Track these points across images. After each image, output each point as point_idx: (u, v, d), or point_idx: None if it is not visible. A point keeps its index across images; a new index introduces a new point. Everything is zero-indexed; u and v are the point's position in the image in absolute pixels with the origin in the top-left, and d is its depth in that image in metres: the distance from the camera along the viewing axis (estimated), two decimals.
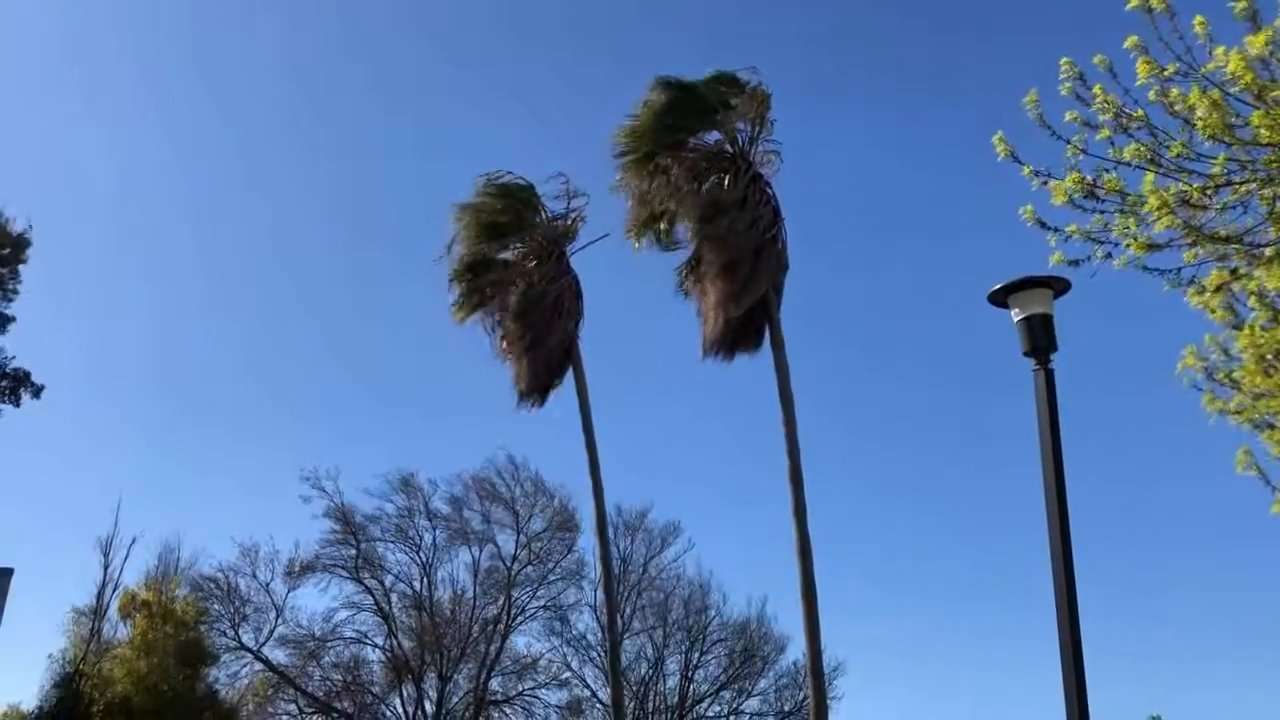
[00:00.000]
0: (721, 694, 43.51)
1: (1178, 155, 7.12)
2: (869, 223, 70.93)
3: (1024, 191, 7.92)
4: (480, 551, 41.47)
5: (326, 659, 40.16)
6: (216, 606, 38.15)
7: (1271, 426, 8.20)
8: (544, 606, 41.97)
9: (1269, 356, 7.95)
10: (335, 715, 39.80)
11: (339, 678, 40.14)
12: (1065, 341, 9.11)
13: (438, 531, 41.27)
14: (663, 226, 23.27)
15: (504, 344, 25.05)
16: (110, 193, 72.00)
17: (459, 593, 41.70)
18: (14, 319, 30.02)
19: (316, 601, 42.10)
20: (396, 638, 40.59)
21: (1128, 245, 7.48)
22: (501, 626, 40.79)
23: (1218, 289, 7.84)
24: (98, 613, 33.83)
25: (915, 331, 68.69)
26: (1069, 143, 7.53)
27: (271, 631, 38.94)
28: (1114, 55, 7.44)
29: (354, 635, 40.31)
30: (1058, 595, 8.56)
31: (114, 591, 34.22)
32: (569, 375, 24.61)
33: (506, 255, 25.61)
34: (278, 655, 39.30)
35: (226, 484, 60.97)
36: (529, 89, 73.98)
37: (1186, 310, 8.07)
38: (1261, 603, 60.83)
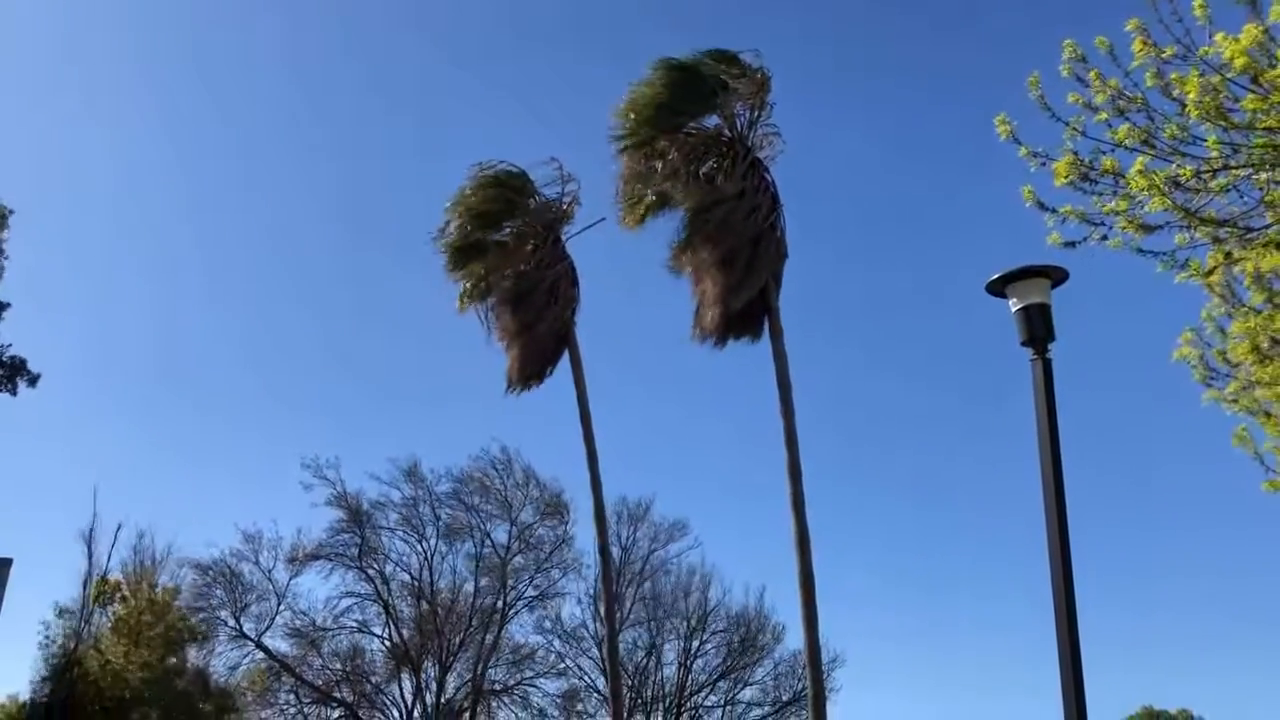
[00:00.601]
0: (719, 683, 43.56)
1: (1173, 138, 7.07)
2: (865, 216, 71.00)
3: (1020, 184, 7.88)
4: (476, 542, 41.49)
5: (326, 648, 40.19)
6: (219, 593, 38.15)
7: (1268, 414, 8.16)
8: (540, 596, 42.00)
9: (1263, 345, 7.91)
10: (335, 704, 39.83)
11: (339, 667, 40.16)
12: (1063, 332, 9.10)
13: (441, 521, 41.24)
14: (657, 212, 23.06)
15: (498, 329, 24.96)
16: (110, 188, 71.98)
17: (458, 583, 41.74)
18: (8, 305, 29.79)
19: (318, 589, 42.12)
20: (396, 627, 40.61)
21: (1122, 227, 7.43)
22: (499, 616, 40.80)
23: (1210, 271, 7.79)
24: (83, 603, 33.82)
25: (912, 323, 68.84)
26: (1067, 124, 7.49)
27: (272, 619, 38.96)
28: (1115, 39, 7.40)
29: (354, 624, 40.35)
30: (1055, 585, 8.54)
31: (98, 581, 34.25)
32: (564, 363, 24.53)
33: (501, 240, 25.49)
34: (279, 644, 39.36)
35: (225, 474, 61.09)
36: (528, 87, 74.02)
37: (1181, 297, 8.05)
38: (1255, 589, 61.01)
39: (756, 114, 22.33)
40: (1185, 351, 8.50)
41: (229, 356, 69.68)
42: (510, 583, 41.05)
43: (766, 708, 43.21)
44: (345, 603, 39.97)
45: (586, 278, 25.42)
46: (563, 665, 42.39)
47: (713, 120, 22.82)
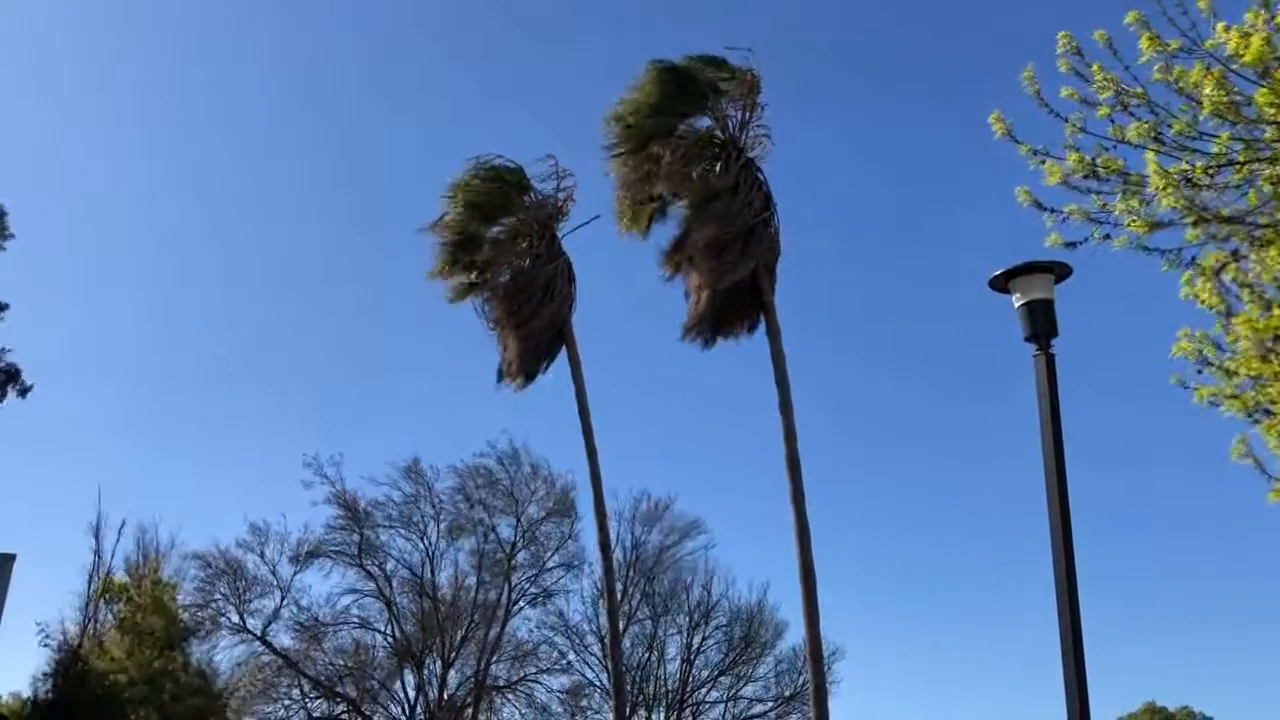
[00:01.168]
0: (721, 679, 43.59)
1: (1180, 134, 7.00)
2: (862, 213, 70.96)
3: (1015, 181, 7.82)
4: (480, 538, 41.47)
5: (330, 643, 40.20)
6: (222, 587, 38.15)
7: (1269, 414, 8.08)
8: (544, 592, 42.00)
9: (1267, 342, 7.83)
10: (338, 699, 39.86)
11: (342, 662, 40.18)
12: (1064, 330, 9.08)
13: (441, 518, 41.24)
14: (651, 213, 23.16)
15: (493, 324, 24.95)
16: (110, 186, 71.97)
17: (460, 579, 41.74)
18: (7, 306, 29.75)
19: (320, 586, 42.11)
20: (399, 623, 40.63)
21: (1130, 225, 7.36)
22: (501, 612, 40.81)
23: (1219, 270, 7.72)
24: (87, 600, 33.83)
25: (908, 321, 68.84)
26: (1067, 120, 7.41)
27: (276, 613, 38.97)
28: (1114, 32, 7.31)
29: (356, 620, 40.37)
30: (1058, 580, 8.54)
31: (104, 579, 34.27)
32: (562, 359, 24.53)
33: (496, 235, 25.48)
34: (282, 639, 39.38)
35: (229, 470, 61.16)
36: (524, 84, 73.93)
37: (1181, 297, 7.96)
38: (1257, 591, 61.00)
39: (747, 115, 22.52)
40: (1185, 347, 8.41)
41: (233, 352, 69.77)
42: (514, 579, 41.08)
43: (769, 703, 43.27)
44: (347, 599, 40.06)
45: (585, 276, 25.44)
46: (566, 661, 42.46)
47: (704, 122, 22.95)
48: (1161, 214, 7.16)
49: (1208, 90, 6.71)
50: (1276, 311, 7.62)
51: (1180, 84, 6.97)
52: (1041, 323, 9.01)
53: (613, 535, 30.17)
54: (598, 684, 42.03)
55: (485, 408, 67.04)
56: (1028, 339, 9.07)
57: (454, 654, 40.52)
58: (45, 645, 32.77)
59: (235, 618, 38.09)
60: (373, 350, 69.66)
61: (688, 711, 43.43)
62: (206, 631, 37.34)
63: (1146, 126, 7.09)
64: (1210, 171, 6.97)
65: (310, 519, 40.16)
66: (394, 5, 73.64)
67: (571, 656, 42.44)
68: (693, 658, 43.22)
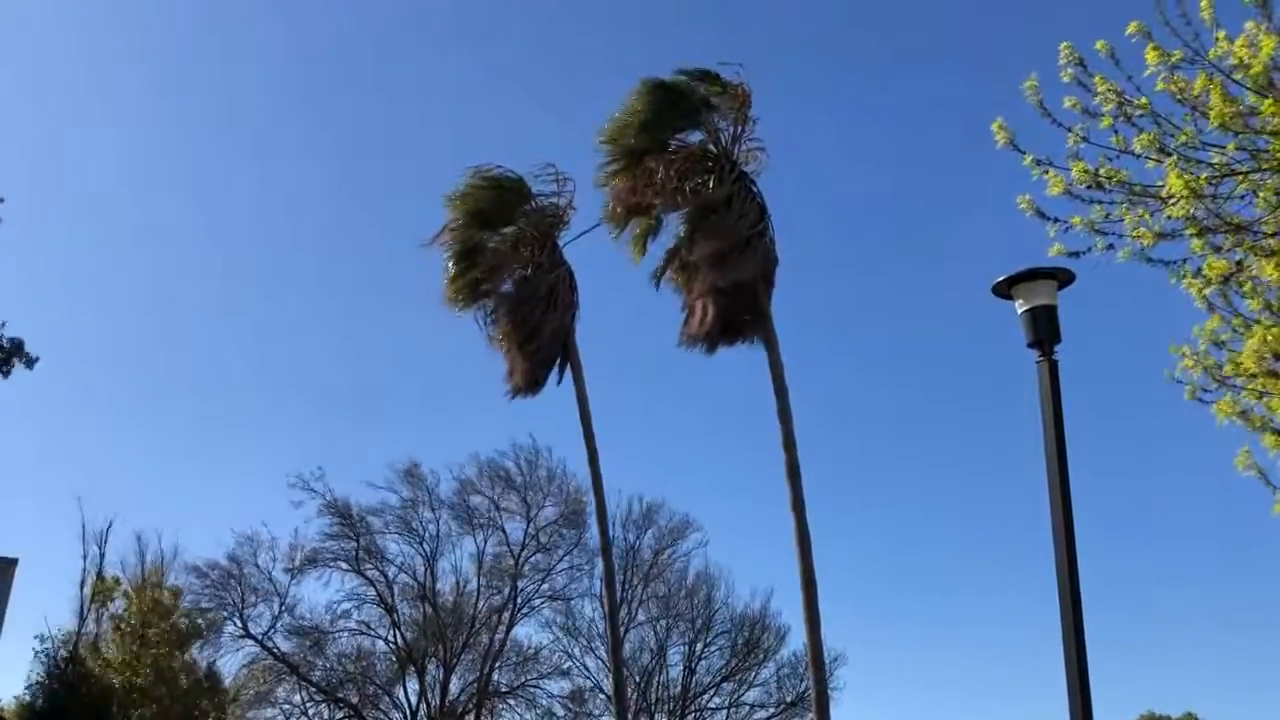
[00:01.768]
0: (723, 685, 43.56)
1: (1184, 144, 7.01)
2: (860, 222, 71.02)
3: (1017, 187, 7.84)
4: (486, 539, 41.42)
5: (331, 649, 40.16)
6: (221, 594, 38.15)
7: (1276, 431, 8.10)
8: (550, 597, 41.95)
9: (1268, 356, 7.85)
10: (339, 705, 39.84)
11: (344, 668, 40.14)
12: (1067, 337, 9.08)
13: (442, 521, 41.16)
14: (646, 228, 23.32)
15: (497, 334, 25.04)
16: (113, 183, 72.10)
17: (462, 583, 41.70)
18: None
19: (319, 593, 42.07)
20: (400, 629, 40.59)
21: (1136, 236, 7.38)
22: (506, 617, 40.79)
23: (1225, 279, 7.73)
24: (82, 603, 33.88)
25: (906, 326, 68.87)
26: (1070, 130, 7.43)
27: (276, 619, 38.95)
28: (1117, 43, 7.32)
29: (357, 626, 40.32)
30: (1061, 587, 8.52)
31: (95, 580, 34.32)
32: (565, 367, 24.59)
33: (498, 245, 25.57)
34: (284, 645, 39.34)
35: (227, 473, 61.21)
36: (529, 75, 74.03)
37: (1185, 304, 7.98)
38: (1258, 598, 60.95)
39: (740, 129, 22.67)
40: (1188, 364, 8.42)
41: (231, 355, 69.86)
42: (520, 583, 41.05)
43: (771, 709, 43.23)
44: (347, 605, 40.00)
45: (586, 283, 25.51)
46: (568, 666, 42.44)
47: (697, 136, 23.14)
48: (1166, 225, 7.17)
49: (1214, 102, 6.72)
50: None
51: (1184, 95, 6.98)
52: (1044, 329, 9.01)
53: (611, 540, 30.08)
54: (600, 689, 42.03)
55: (486, 413, 67.10)
56: (1030, 345, 9.07)
57: (455, 660, 40.49)
58: (43, 651, 32.83)
59: (237, 623, 38.15)
60: (373, 353, 69.80)
61: (690, 717, 43.40)
62: (208, 638, 37.38)
63: (1151, 137, 7.10)
64: (1214, 181, 6.98)
65: (302, 526, 39.90)
66: (396, 7, 73.81)
67: (573, 662, 42.46)
68: (695, 663, 43.21)
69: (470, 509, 41.18)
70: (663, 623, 43.15)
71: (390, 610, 40.34)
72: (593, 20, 75.19)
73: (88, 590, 33.90)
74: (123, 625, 33.36)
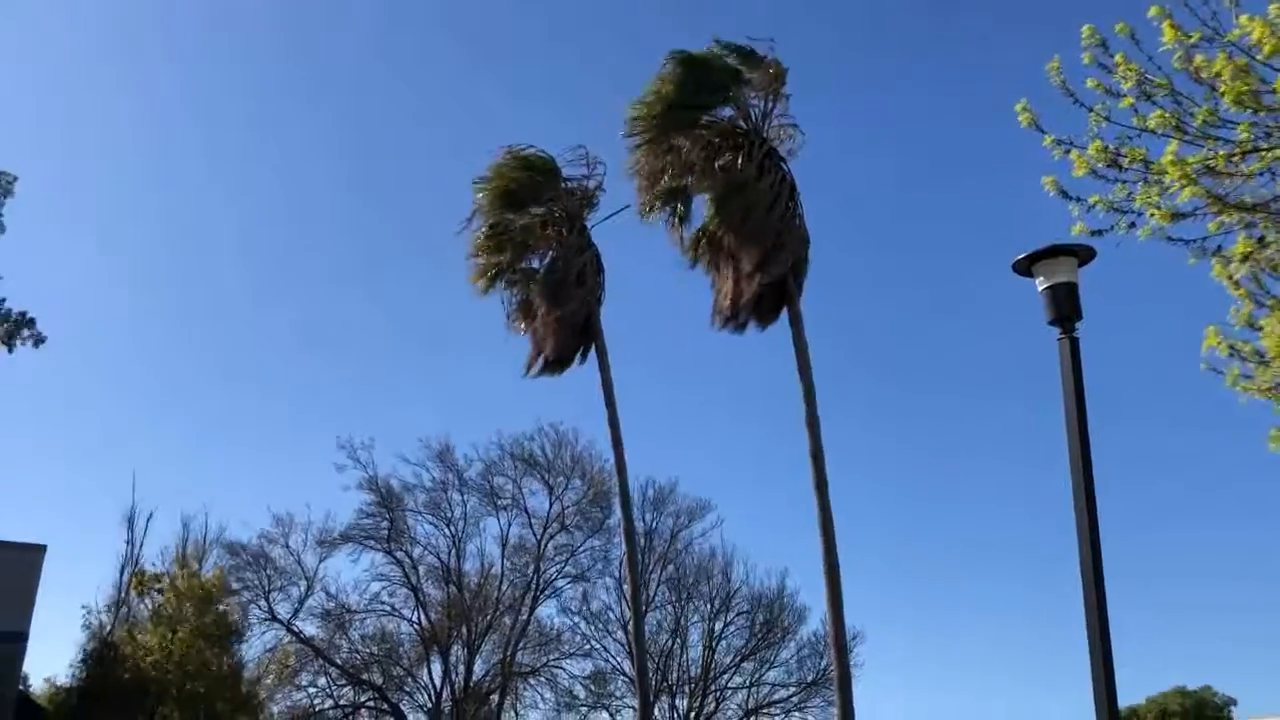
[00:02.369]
0: (744, 665, 43.70)
1: (1203, 123, 7.01)
2: (884, 201, 70.63)
3: (1042, 169, 7.83)
4: (510, 522, 41.63)
5: (356, 632, 40.47)
6: (249, 575, 38.51)
7: None
8: (573, 579, 42.15)
9: None
10: (364, 687, 40.13)
11: (368, 650, 40.43)
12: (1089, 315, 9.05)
13: (469, 503, 41.39)
14: (678, 205, 23.10)
15: (523, 314, 25.08)
16: (143, 167, 72.41)
17: (487, 565, 41.92)
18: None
19: (347, 573, 42.41)
20: (425, 610, 40.84)
21: (1151, 215, 7.39)
22: (529, 598, 40.97)
23: (1245, 258, 7.72)
24: (121, 588, 34.13)
25: (934, 310, 68.57)
26: (1091, 110, 7.43)
27: (302, 602, 39.26)
28: (1137, 24, 7.33)
29: (383, 607, 40.60)
30: (1084, 566, 8.50)
31: (136, 573, 34.57)
32: (589, 349, 24.62)
33: (527, 225, 25.58)
34: (308, 627, 39.68)
35: (260, 455, 61.66)
36: (552, 75, 73.91)
37: (1208, 283, 7.96)
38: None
39: (771, 105, 22.31)
40: (1213, 343, 8.42)
41: (265, 336, 70.23)
42: (544, 565, 41.22)
43: (791, 688, 43.37)
44: (374, 586, 40.29)
45: (612, 263, 25.52)
46: (589, 647, 42.63)
47: (727, 112, 22.80)
48: (1183, 205, 7.18)
49: (1225, 79, 6.72)
50: None
51: (1203, 73, 6.99)
52: (1065, 306, 8.95)
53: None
54: (622, 670, 42.21)
55: (513, 392, 67.34)
56: (1051, 323, 9.02)
57: (479, 641, 40.73)
58: (86, 629, 33.11)
59: (263, 606, 38.45)
60: (405, 332, 70.01)
61: (710, 697, 43.56)
62: (240, 632, 37.65)
63: (1168, 116, 7.11)
64: (1234, 159, 6.98)
65: (335, 507, 40.44)
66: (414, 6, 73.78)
67: (595, 643, 42.65)
68: (715, 643, 43.35)
69: (495, 491, 41.42)
70: (681, 604, 43.31)
71: (415, 591, 40.61)
72: (616, 13, 74.88)
73: (127, 576, 34.20)
74: (161, 610, 33.62)
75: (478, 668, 40.95)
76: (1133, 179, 7.43)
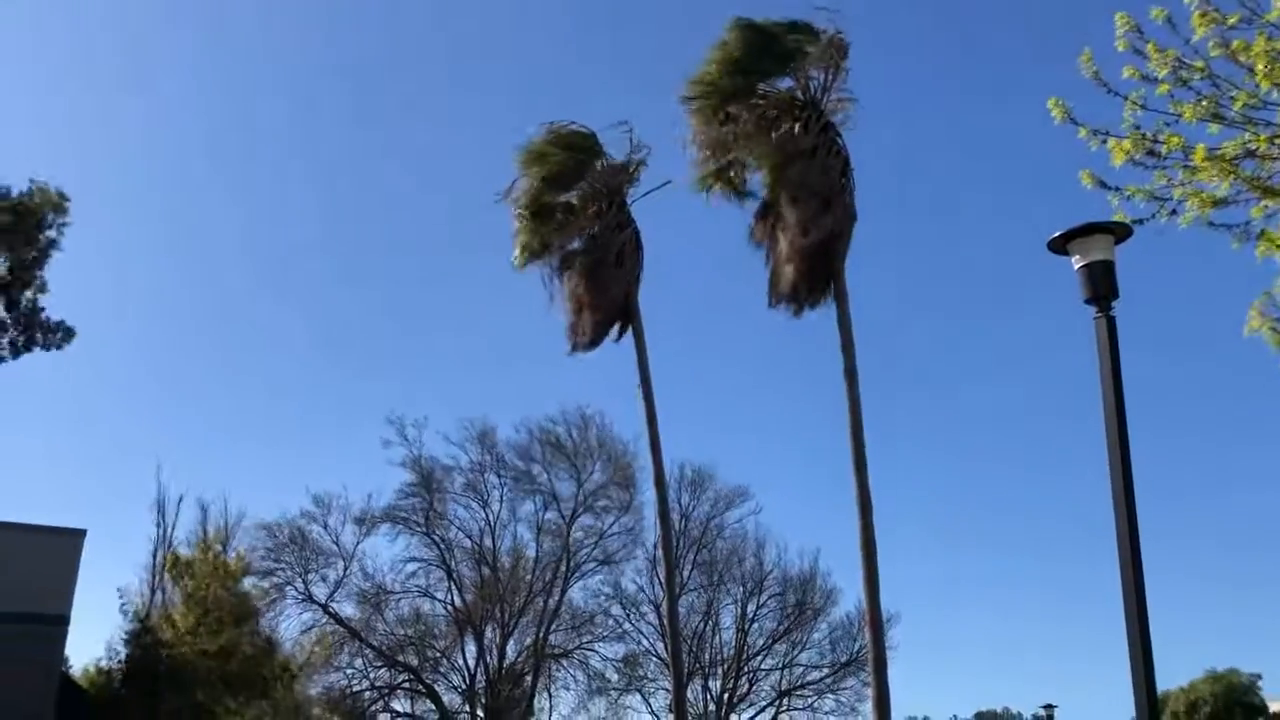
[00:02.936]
0: (776, 647, 43.84)
1: (1244, 106, 6.98)
2: (933, 178, 70.21)
3: (1084, 154, 7.82)
4: (542, 505, 41.91)
5: (391, 613, 40.90)
6: (286, 555, 38.93)
7: None
8: (602, 561, 42.39)
9: None
10: (400, 668, 40.55)
11: (403, 632, 40.85)
12: (1129, 297, 9.02)
13: (505, 487, 41.71)
14: (733, 175, 22.96)
15: (562, 292, 25.09)
16: (166, 158, 72.91)
17: (520, 548, 42.23)
18: (74, 333, 30.55)
19: (384, 554, 42.81)
20: (460, 592, 41.20)
21: (1191, 203, 7.35)
22: (560, 581, 41.25)
23: None
24: (154, 572, 34.56)
25: (978, 285, 68.15)
26: (1127, 99, 7.40)
27: (339, 583, 39.68)
28: (1174, 9, 7.30)
29: (418, 589, 40.99)
30: (1121, 548, 8.50)
31: (170, 555, 34.97)
32: (625, 328, 24.63)
33: (568, 202, 25.57)
34: (344, 608, 40.12)
35: (296, 440, 62.21)
36: (593, 50, 73.76)
37: (1252, 266, 7.92)
38: None
39: (831, 78, 22.11)
40: (1256, 324, 8.40)
41: (297, 324, 70.77)
42: (573, 547, 41.49)
43: (824, 670, 43.48)
44: (410, 567, 40.70)
45: (651, 241, 25.48)
46: (622, 630, 42.88)
47: (786, 83, 22.67)
48: (1230, 189, 7.15)
49: (1260, 66, 6.69)
50: None
51: (1240, 57, 6.95)
52: (1102, 284, 8.83)
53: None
54: (654, 652, 42.44)
55: (548, 370, 67.53)
56: (1087, 301, 8.93)
57: (513, 623, 41.06)
58: (123, 612, 33.56)
59: (300, 587, 38.91)
60: (441, 311, 70.32)
61: (743, 679, 43.76)
62: (272, 600, 38.16)
63: (1204, 106, 7.08)
64: (1277, 142, 6.95)
65: (376, 487, 40.85)
66: None
67: (627, 625, 42.90)
68: (747, 626, 43.50)
69: (530, 474, 41.71)
70: (714, 586, 43.46)
71: (450, 573, 40.97)
72: None
73: (160, 559, 34.61)
74: (192, 595, 34.04)
75: (510, 650, 41.37)
76: (1172, 166, 7.40)
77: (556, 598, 41.17)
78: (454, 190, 72.40)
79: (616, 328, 24.69)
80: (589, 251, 24.75)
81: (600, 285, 24.26)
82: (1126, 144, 7.41)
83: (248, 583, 36.46)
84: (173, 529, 35.24)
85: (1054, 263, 9.25)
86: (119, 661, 33.33)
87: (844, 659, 42.92)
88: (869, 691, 22.91)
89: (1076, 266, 9.10)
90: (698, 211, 23.25)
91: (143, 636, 33.13)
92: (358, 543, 39.97)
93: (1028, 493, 64.64)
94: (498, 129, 70.05)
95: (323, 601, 39.28)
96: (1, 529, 23.95)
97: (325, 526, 39.61)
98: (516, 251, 25.37)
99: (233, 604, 33.99)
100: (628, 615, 43.03)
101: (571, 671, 42.41)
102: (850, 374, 20.40)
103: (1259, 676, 59.25)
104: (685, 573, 42.19)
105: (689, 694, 40.06)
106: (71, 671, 33.39)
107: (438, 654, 41.41)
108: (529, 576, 41.45)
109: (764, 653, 43.98)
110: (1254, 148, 7.06)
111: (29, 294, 29.84)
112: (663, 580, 32.81)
